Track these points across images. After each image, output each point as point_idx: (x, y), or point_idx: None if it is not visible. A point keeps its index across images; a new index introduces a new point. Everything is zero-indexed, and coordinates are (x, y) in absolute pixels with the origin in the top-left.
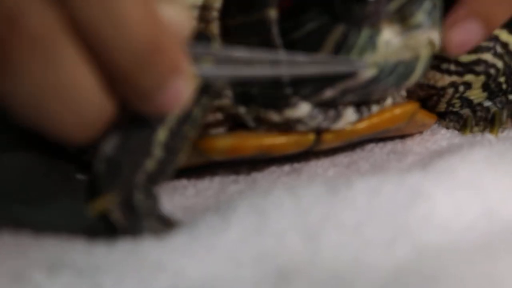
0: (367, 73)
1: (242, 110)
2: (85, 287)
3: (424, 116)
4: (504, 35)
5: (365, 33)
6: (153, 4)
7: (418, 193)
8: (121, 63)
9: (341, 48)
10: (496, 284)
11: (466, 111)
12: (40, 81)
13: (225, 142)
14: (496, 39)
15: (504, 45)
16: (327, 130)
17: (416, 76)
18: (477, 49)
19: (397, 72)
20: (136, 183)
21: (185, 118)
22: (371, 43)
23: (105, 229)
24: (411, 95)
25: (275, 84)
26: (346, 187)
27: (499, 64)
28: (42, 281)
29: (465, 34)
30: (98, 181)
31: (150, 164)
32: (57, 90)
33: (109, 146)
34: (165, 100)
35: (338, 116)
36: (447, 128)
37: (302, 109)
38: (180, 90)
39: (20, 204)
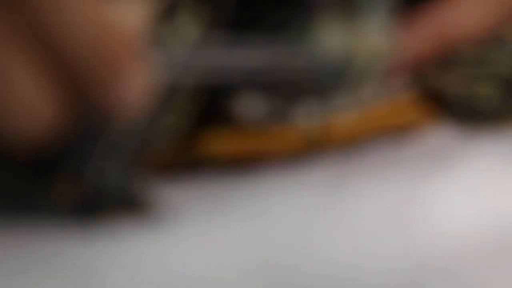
0: None
1: None
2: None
3: (423, 113)
4: None
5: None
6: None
7: (422, 195)
8: (67, 54)
9: None
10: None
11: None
12: None
13: (223, 146)
14: None
15: None
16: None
17: None
18: None
19: None
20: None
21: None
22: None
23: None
24: None
25: None
26: (346, 190)
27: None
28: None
29: None
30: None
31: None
32: None
33: None
34: (117, 92)
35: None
36: (452, 126)
37: None
38: (130, 83)
39: None
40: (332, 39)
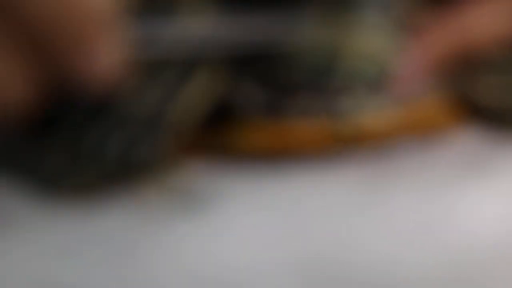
0: None
1: None
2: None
3: (449, 119)
4: None
5: None
6: None
7: (455, 202)
8: (36, 29)
9: None
10: None
11: None
12: None
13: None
14: None
15: None
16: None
17: None
18: None
19: None
20: None
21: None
22: None
23: None
24: None
25: None
26: (376, 195)
27: None
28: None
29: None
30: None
31: None
32: None
33: None
34: (87, 64)
35: None
36: (484, 131)
37: None
38: (101, 55)
39: None
40: (320, 34)
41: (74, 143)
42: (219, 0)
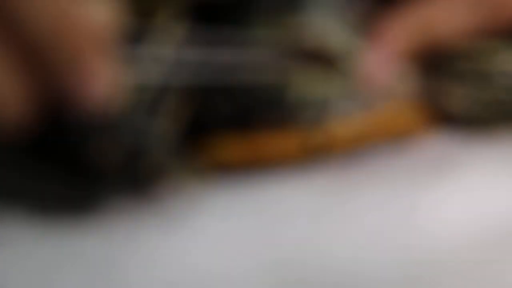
0: None
1: None
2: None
3: (418, 121)
4: None
5: None
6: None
7: (420, 200)
8: (35, 46)
9: None
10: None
11: None
12: None
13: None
14: None
15: None
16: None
17: None
18: None
19: None
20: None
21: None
22: None
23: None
24: None
25: None
26: (347, 196)
27: None
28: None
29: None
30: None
31: None
32: None
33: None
34: (82, 84)
35: None
36: (452, 133)
37: None
38: (97, 76)
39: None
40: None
41: (70, 164)
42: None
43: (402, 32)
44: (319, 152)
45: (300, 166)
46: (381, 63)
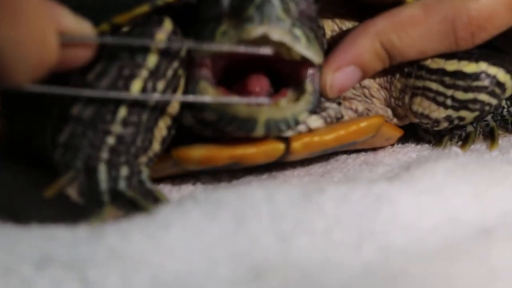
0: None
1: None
2: (71, 280)
3: (390, 130)
4: (501, 75)
5: (209, 27)
6: None
7: (384, 199)
8: None
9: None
10: (454, 283)
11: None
12: None
13: (198, 153)
14: (493, 79)
15: (501, 85)
16: (295, 140)
17: None
18: (474, 89)
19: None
20: (100, 158)
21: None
22: (211, 34)
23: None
24: (402, 119)
25: None
26: (318, 193)
27: (494, 101)
28: (31, 274)
29: (346, 79)
30: (57, 166)
31: (111, 140)
32: None
33: (62, 135)
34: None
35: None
36: (419, 139)
37: None
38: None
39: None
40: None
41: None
42: None
43: (365, 40)
44: (292, 152)
45: (274, 164)
46: (340, 64)
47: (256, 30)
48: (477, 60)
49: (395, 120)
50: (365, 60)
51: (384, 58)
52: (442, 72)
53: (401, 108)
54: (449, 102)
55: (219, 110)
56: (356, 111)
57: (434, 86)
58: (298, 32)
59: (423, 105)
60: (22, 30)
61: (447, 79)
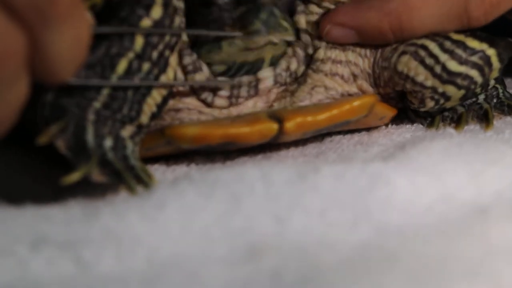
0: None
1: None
2: (66, 260)
3: (383, 109)
4: (494, 58)
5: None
6: None
7: (379, 179)
8: None
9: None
10: (450, 262)
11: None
12: None
13: (193, 130)
14: (488, 59)
15: (490, 65)
16: (288, 119)
17: (265, 73)
18: (468, 62)
19: (244, 70)
20: (87, 119)
21: (139, 56)
22: (217, 44)
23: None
24: (385, 87)
25: None
26: (314, 173)
27: (480, 80)
28: (25, 255)
29: (342, 36)
30: (42, 122)
31: (97, 104)
32: None
33: (49, 94)
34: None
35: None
36: (413, 121)
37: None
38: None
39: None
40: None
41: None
42: None
43: (367, 13)
44: (287, 132)
45: (270, 144)
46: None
47: (264, 40)
48: (481, 40)
49: (380, 90)
50: (367, 34)
51: (388, 36)
52: (446, 36)
53: (386, 70)
54: (438, 69)
55: None
56: (342, 77)
57: (432, 45)
58: None
59: (409, 65)
60: (73, 32)
61: (448, 44)
